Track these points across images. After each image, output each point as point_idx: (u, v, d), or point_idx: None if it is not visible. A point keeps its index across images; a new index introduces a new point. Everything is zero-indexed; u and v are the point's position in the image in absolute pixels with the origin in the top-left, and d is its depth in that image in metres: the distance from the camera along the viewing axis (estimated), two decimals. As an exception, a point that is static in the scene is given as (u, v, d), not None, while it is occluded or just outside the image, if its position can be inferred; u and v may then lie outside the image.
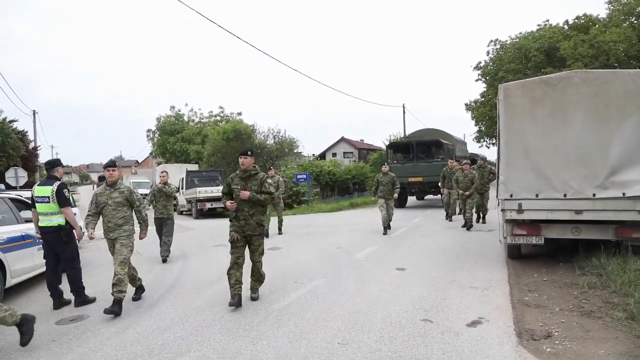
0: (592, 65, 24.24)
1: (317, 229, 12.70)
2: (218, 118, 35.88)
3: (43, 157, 35.80)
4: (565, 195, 6.01)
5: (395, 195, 10.91)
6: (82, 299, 5.73)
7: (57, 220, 5.61)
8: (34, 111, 30.86)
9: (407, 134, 39.22)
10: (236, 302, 5.15)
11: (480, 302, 5.14)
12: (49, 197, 5.61)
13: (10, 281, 6.01)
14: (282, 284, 6.28)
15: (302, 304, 5.30)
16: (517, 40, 32.76)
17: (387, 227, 10.84)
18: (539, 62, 29.34)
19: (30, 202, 5.92)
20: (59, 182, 5.76)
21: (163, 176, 8.95)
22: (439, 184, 13.75)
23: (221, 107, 37.00)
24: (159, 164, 34.73)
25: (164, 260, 8.47)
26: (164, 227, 8.77)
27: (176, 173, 23.85)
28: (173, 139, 34.57)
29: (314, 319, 4.71)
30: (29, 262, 6.52)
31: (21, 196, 7.66)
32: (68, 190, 5.86)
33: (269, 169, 12.37)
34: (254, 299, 5.49)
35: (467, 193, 11.18)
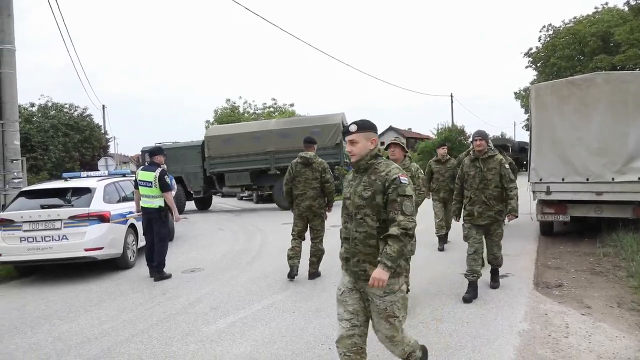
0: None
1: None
2: (272, 109, 37.83)
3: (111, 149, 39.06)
4: (587, 179, 7.10)
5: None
6: (161, 275, 6.33)
7: (158, 202, 6.38)
8: (103, 105, 33.65)
9: (455, 123, 39.42)
10: None
11: (510, 264, 6.37)
12: (151, 182, 6.33)
13: (139, 244, 7.89)
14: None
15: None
16: (572, 25, 32.27)
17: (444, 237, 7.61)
18: (595, 47, 28.90)
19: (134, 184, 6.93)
20: (160, 169, 6.42)
21: None
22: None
23: (274, 99, 38.88)
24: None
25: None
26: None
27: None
28: (230, 129, 36.93)
29: (376, 272, 6.17)
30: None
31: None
32: (168, 175, 6.82)
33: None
34: None
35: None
